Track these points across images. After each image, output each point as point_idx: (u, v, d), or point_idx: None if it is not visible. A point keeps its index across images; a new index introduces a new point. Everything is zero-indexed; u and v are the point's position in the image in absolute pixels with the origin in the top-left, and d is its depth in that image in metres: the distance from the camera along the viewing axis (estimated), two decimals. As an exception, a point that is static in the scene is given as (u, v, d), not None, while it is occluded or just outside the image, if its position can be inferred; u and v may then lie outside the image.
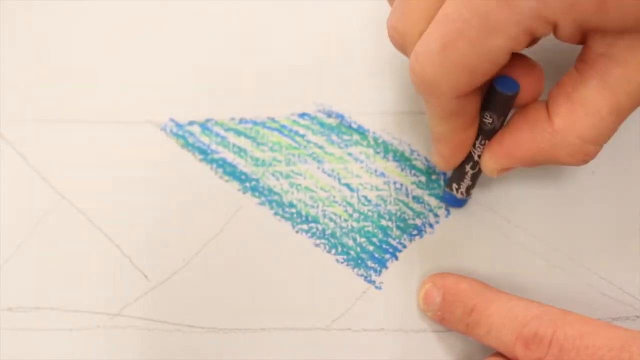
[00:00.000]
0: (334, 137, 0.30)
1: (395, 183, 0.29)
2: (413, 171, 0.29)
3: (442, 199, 0.29)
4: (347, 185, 0.29)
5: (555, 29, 0.21)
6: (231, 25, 0.31)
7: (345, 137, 0.30)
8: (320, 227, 0.29)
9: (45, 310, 0.29)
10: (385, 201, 0.29)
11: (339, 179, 0.30)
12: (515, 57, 0.23)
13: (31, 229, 0.29)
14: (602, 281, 0.28)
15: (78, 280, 0.29)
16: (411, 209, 0.29)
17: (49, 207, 0.30)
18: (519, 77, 0.24)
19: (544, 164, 0.25)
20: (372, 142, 0.30)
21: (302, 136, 0.30)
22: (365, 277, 0.29)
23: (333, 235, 0.29)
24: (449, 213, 0.29)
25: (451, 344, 0.28)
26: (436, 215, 0.29)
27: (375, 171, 0.30)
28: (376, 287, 0.28)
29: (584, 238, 0.28)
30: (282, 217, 0.29)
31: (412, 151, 0.30)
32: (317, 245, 0.29)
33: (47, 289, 0.29)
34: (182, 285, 0.29)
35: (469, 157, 0.26)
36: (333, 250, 0.29)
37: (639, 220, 0.28)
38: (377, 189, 0.29)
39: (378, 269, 0.29)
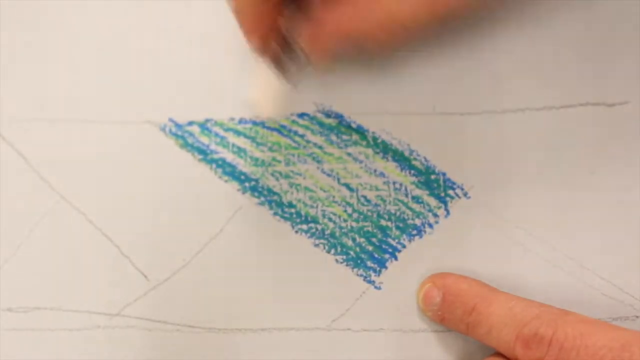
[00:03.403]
0: (334, 137, 0.30)
1: (394, 183, 0.29)
2: (412, 171, 0.29)
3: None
4: (347, 185, 0.29)
5: None
6: (231, 25, 0.31)
7: (345, 137, 0.30)
8: (319, 227, 0.29)
9: (45, 310, 0.29)
10: (384, 201, 0.29)
11: (339, 179, 0.29)
12: None
13: (31, 229, 0.29)
14: (602, 281, 0.28)
15: (78, 280, 0.29)
16: (410, 209, 0.29)
17: (49, 207, 0.30)
18: None
19: (355, 42, 0.25)
20: (371, 142, 0.30)
21: (302, 136, 0.30)
22: (365, 277, 0.29)
23: (332, 235, 0.29)
24: (448, 213, 0.29)
25: (451, 344, 0.28)
26: (435, 216, 0.29)
27: (375, 171, 0.30)
28: (376, 287, 0.28)
29: (584, 238, 0.28)
30: (282, 217, 0.29)
31: (412, 151, 0.30)
32: (316, 245, 0.29)
33: (47, 289, 0.29)
34: (182, 285, 0.29)
35: (284, 46, 0.25)
36: (332, 250, 0.29)
37: (639, 220, 0.28)
38: (377, 189, 0.29)
39: (377, 269, 0.29)
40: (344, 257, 0.29)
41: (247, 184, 0.30)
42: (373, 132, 0.30)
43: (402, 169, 0.29)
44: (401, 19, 0.24)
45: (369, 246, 0.29)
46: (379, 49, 0.29)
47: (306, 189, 0.29)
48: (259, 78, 0.26)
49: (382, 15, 0.24)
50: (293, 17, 0.25)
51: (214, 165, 0.30)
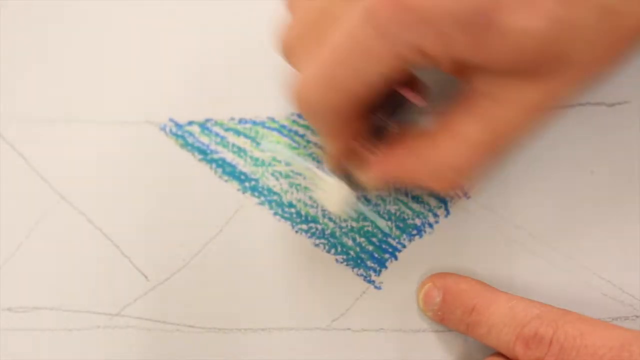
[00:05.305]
0: (334, 137, 0.30)
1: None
2: (412, 171, 0.29)
3: None
4: (347, 185, 0.29)
5: (436, 64, 0.22)
6: (232, 25, 0.31)
7: (345, 137, 0.30)
8: (319, 227, 0.29)
9: (45, 310, 0.29)
10: (384, 201, 0.29)
11: (339, 179, 0.29)
12: (410, 78, 0.25)
13: (31, 229, 0.29)
14: (602, 281, 0.28)
15: (78, 280, 0.29)
16: (410, 208, 0.29)
17: (49, 207, 0.30)
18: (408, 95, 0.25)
19: (413, 184, 0.26)
20: (371, 142, 0.30)
21: (302, 136, 0.30)
22: (365, 277, 0.29)
23: (332, 235, 0.29)
24: (448, 213, 0.29)
25: (451, 343, 0.28)
26: (436, 215, 0.29)
27: (375, 171, 0.29)
28: (376, 287, 0.28)
29: (584, 238, 0.28)
30: (282, 216, 0.29)
31: (412, 151, 0.30)
32: (316, 245, 0.29)
33: (47, 289, 0.29)
34: (182, 285, 0.29)
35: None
36: (332, 250, 0.29)
37: (639, 220, 0.28)
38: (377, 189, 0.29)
39: (377, 268, 0.29)
40: (344, 257, 0.29)
41: (247, 184, 0.30)
42: (373, 132, 0.30)
43: (402, 169, 0.29)
44: (456, 167, 0.24)
45: (369, 246, 0.29)
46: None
47: (306, 188, 0.29)
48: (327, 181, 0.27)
49: (436, 164, 0.24)
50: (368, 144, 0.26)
51: (214, 165, 0.30)
